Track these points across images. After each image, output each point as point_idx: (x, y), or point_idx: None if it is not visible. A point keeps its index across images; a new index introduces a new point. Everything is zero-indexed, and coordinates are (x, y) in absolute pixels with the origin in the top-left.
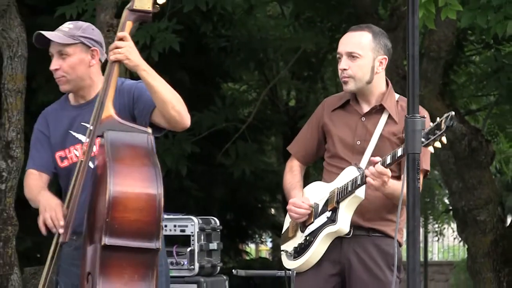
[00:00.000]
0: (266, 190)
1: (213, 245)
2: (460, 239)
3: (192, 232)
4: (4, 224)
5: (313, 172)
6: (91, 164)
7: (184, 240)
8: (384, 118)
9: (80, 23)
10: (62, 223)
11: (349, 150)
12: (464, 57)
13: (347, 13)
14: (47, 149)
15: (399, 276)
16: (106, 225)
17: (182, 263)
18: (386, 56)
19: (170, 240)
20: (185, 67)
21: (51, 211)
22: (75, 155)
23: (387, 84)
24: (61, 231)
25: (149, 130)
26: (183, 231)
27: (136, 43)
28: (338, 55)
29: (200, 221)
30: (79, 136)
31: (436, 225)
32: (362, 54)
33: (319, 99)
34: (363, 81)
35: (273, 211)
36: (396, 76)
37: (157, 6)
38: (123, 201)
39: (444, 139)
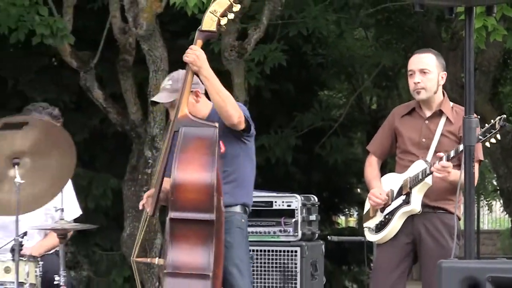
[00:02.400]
0: (353, 175)
1: (312, 217)
2: (505, 212)
3: (296, 207)
4: None
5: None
6: None
7: (290, 213)
8: (443, 120)
9: (176, 76)
10: (144, 201)
11: (416, 147)
12: (509, 71)
13: (416, 36)
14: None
15: (458, 243)
16: (171, 202)
17: (288, 230)
18: (445, 72)
19: (279, 213)
20: (290, 79)
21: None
22: None
23: (443, 94)
24: (148, 209)
25: (216, 124)
26: (289, 206)
27: (252, 60)
28: (410, 72)
29: (302, 198)
30: None
31: (486, 202)
32: (431, 70)
33: (394, 103)
34: (431, 91)
35: (358, 190)
36: (456, 86)
37: (220, 27)
38: (184, 183)
39: (498, 136)
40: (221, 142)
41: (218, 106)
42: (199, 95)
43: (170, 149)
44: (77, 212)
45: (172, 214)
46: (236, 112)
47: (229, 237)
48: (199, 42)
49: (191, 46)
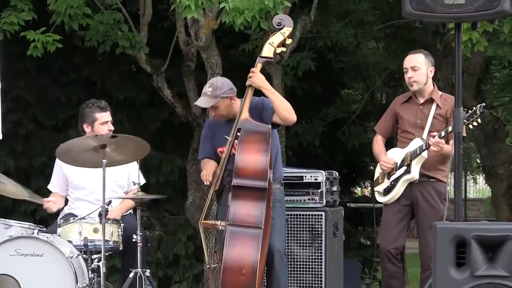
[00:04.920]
0: (367, 155)
1: (334, 188)
2: (487, 184)
3: (321, 180)
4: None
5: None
6: None
7: (317, 185)
8: (434, 106)
9: (215, 83)
10: (210, 178)
11: (413, 127)
12: (489, 74)
13: (417, 47)
14: (211, 145)
15: (445, 205)
16: (235, 174)
17: (315, 199)
18: (433, 67)
19: (308, 185)
20: (318, 80)
21: (204, 171)
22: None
23: (433, 85)
24: (207, 183)
25: (269, 126)
26: (316, 179)
27: (288, 65)
28: (405, 69)
29: (327, 174)
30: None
31: (472, 176)
32: (420, 67)
33: None
34: (422, 83)
35: (371, 167)
36: (448, 85)
37: (277, 54)
38: (244, 163)
39: (479, 120)
40: None
41: (278, 108)
42: (233, 99)
43: (233, 141)
44: (143, 180)
45: (235, 182)
46: (292, 113)
47: (272, 210)
48: (259, 66)
49: (253, 69)
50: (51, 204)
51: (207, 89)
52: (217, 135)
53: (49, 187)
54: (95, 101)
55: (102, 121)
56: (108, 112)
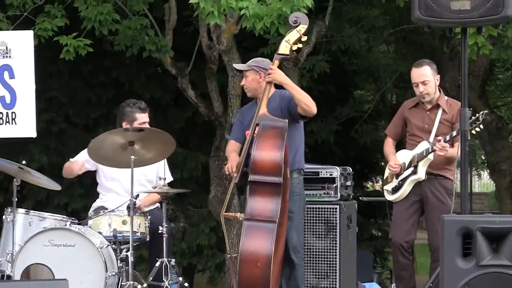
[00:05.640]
0: (379, 152)
1: (348, 183)
2: (491, 179)
3: (336, 176)
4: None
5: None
6: None
7: (332, 180)
8: (440, 111)
9: (257, 58)
10: (234, 169)
11: (421, 131)
12: (493, 75)
13: (425, 50)
14: (241, 128)
15: (453, 200)
16: (251, 170)
17: (330, 193)
18: (438, 75)
19: (324, 180)
20: (332, 82)
21: (229, 163)
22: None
23: (440, 91)
24: (233, 175)
25: (286, 120)
26: (331, 175)
27: (304, 68)
28: (414, 84)
29: (341, 169)
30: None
31: (476, 171)
32: (429, 79)
33: (409, 99)
34: (432, 93)
35: (382, 163)
36: (454, 86)
37: (293, 51)
38: (260, 158)
39: (481, 126)
40: None
41: (300, 102)
42: (261, 77)
43: (253, 135)
44: (170, 178)
45: (251, 177)
46: (313, 105)
47: (291, 203)
48: (276, 62)
49: (271, 67)
50: (76, 165)
51: (250, 60)
52: (245, 119)
53: (70, 159)
54: (136, 101)
55: (141, 122)
56: (147, 114)
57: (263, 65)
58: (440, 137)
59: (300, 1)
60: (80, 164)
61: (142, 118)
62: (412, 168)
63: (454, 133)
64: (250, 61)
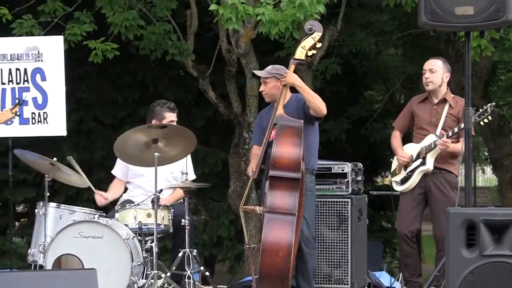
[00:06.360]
0: (387, 149)
1: (359, 178)
2: (494, 174)
3: (347, 171)
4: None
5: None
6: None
7: (343, 175)
8: (446, 106)
9: (277, 66)
10: (253, 167)
11: (428, 124)
12: (495, 77)
13: (431, 53)
14: (261, 131)
15: (458, 194)
16: (271, 166)
17: (342, 187)
18: (449, 73)
19: (336, 175)
20: (344, 83)
21: (250, 166)
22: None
23: (447, 89)
24: (254, 176)
25: (301, 121)
26: (342, 170)
27: (317, 70)
28: (423, 71)
29: (352, 165)
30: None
31: (480, 167)
32: (437, 70)
33: None
34: (437, 84)
35: (391, 160)
36: (458, 87)
37: (308, 57)
38: (279, 155)
39: (489, 117)
40: None
41: (311, 104)
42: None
43: (270, 134)
44: (193, 176)
45: (271, 173)
46: (323, 106)
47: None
48: (292, 67)
49: (287, 71)
50: (99, 197)
51: (269, 67)
52: (264, 122)
53: (113, 171)
54: (166, 101)
55: (169, 120)
56: (175, 113)
57: (282, 71)
58: (443, 132)
59: (313, 8)
60: (121, 185)
61: (171, 117)
62: (420, 160)
63: (456, 130)
64: (270, 68)
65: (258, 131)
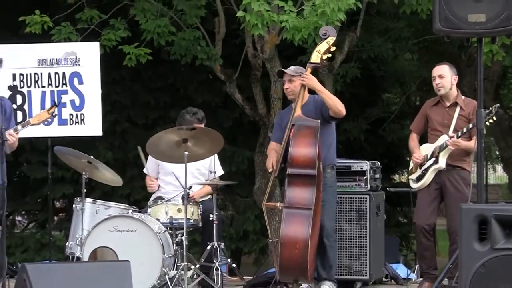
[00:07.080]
0: (404, 148)
1: (377, 176)
2: (504, 172)
3: (366, 169)
4: None
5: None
6: None
7: (362, 173)
8: (458, 108)
9: (299, 67)
10: (274, 166)
11: (441, 126)
12: (506, 80)
13: (445, 58)
14: (280, 130)
15: (471, 190)
16: (289, 164)
17: (361, 184)
18: (456, 76)
19: (355, 173)
20: (363, 86)
21: (269, 161)
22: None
23: (457, 91)
24: (270, 170)
25: (318, 121)
26: (361, 168)
27: (338, 74)
28: (433, 78)
29: (370, 163)
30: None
31: (491, 165)
32: (445, 74)
33: None
34: (447, 88)
35: (408, 158)
36: (471, 90)
37: (323, 60)
38: (297, 153)
39: (494, 118)
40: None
41: (331, 106)
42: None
43: (289, 135)
44: (221, 171)
45: (289, 171)
46: (342, 108)
47: (324, 194)
48: (309, 70)
49: (304, 73)
50: (149, 181)
51: (293, 67)
52: (283, 122)
53: (144, 170)
54: (196, 111)
55: None
56: (203, 124)
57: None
58: (453, 134)
59: (334, 15)
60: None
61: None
62: (433, 159)
63: (465, 130)
64: (295, 68)
65: (277, 129)
